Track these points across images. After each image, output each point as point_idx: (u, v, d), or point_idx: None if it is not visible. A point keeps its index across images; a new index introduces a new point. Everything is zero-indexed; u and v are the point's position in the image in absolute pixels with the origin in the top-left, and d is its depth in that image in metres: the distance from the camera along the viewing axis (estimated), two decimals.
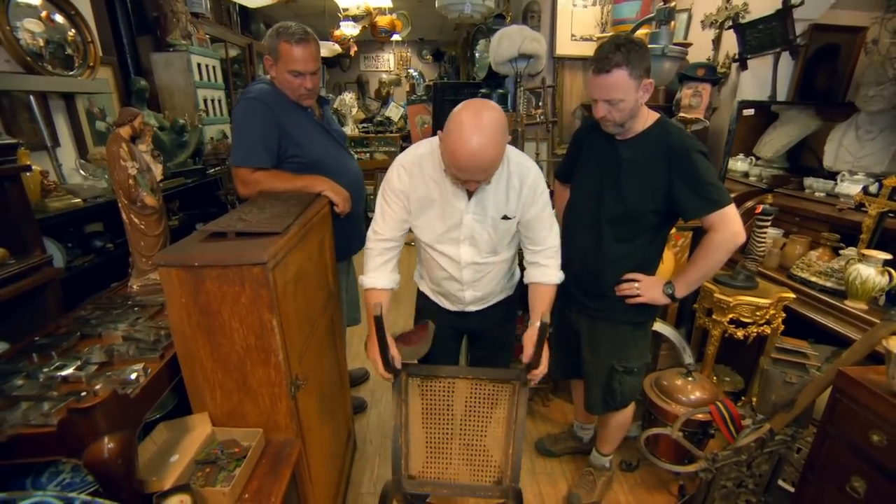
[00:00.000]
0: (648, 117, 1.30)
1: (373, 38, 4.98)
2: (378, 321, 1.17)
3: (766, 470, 1.24)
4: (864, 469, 1.06)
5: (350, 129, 5.90)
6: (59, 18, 1.83)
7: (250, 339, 1.04)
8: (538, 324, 1.18)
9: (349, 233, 1.80)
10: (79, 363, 1.04)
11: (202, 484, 0.98)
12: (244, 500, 0.97)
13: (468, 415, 1.32)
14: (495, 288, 1.42)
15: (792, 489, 1.30)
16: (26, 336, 1.18)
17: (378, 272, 1.33)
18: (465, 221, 1.25)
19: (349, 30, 4.79)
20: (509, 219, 1.26)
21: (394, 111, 6.50)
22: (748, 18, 2.18)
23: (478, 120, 1.04)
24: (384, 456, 1.97)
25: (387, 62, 7.82)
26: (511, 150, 1.23)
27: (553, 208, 1.32)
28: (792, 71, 2.28)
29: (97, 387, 0.96)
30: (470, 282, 1.36)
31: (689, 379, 1.67)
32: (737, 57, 2.22)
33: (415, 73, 7.23)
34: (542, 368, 1.21)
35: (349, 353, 2.82)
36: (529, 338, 1.22)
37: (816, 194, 2.10)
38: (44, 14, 1.76)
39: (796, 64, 2.25)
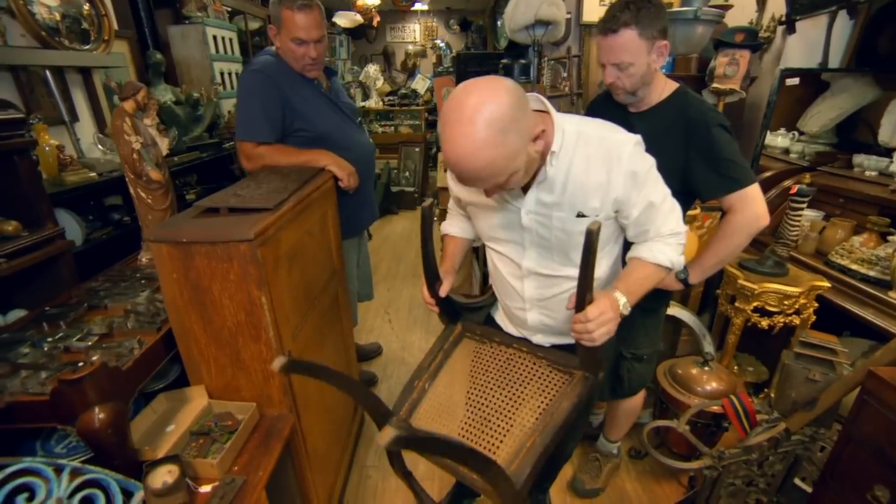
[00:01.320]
0: (665, 87, 1.17)
1: (395, 7, 4.82)
2: (425, 219, 0.95)
3: (780, 470, 1.16)
4: (889, 477, 0.97)
5: (374, 102, 5.83)
6: None
7: (240, 315, 1.04)
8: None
9: (359, 207, 1.78)
10: (81, 334, 1.07)
11: (195, 455, 1.00)
12: (233, 472, 0.99)
13: (505, 390, 1.04)
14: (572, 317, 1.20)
15: (809, 489, 1.21)
16: (42, 304, 1.24)
17: (450, 219, 1.24)
18: (526, 223, 0.99)
19: None
20: (586, 216, 0.95)
21: (420, 83, 6.36)
22: None
23: (465, 110, 0.75)
24: None
25: (413, 33, 7.62)
26: (582, 124, 0.94)
27: None
28: (850, 33, 2.03)
29: (94, 357, 0.99)
30: (533, 300, 1.09)
31: (706, 368, 1.59)
32: (783, 19, 2.00)
33: (441, 44, 7.02)
34: (596, 312, 0.85)
35: (363, 327, 2.86)
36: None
37: (867, 173, 1.91)
38: None
39: (855, 24, 2.00)
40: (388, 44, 7.62)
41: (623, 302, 0.92)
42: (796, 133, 2.31)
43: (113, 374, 0.90)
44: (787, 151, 2.31)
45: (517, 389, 1.02)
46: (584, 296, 0.86)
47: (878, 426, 0.99)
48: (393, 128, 5.67)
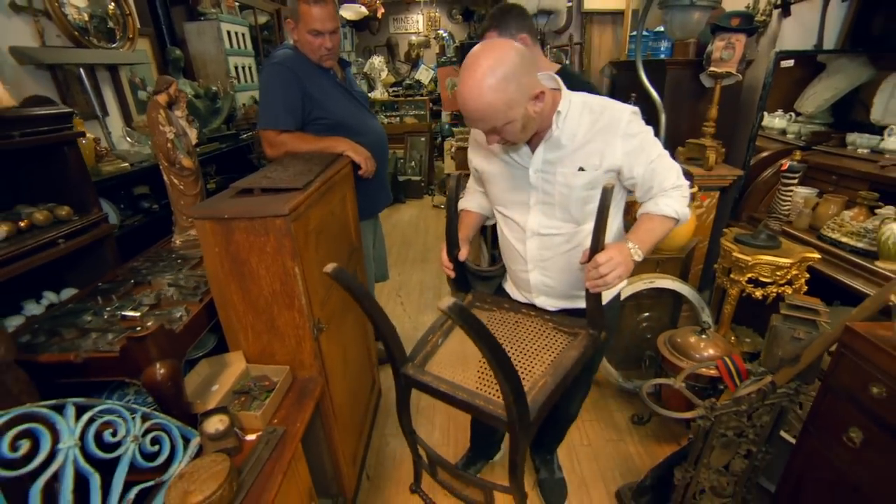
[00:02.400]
0: (550, 69, 1.42)
1: None
2: (451, 190, 1.17)
3: (768, 421, 1.27)
4: (861, 420, 1.07)
5: (380, 93, 5.91)
6: None
7: (276, 284, 1.15)
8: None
9: (374, 191, 1.88)
10: (134, 304, 1.20)
11: (238, 409, 1.13)
12: (273, 424, 1.12)
13: (515, 346, 1.13)
14: (571, 279, 1.18)
15: (794, 441, 1.32)
16: (89, 283, 1.36)
17: (468, 196, 1.37)
18: (533, 181, 1.11)
19: None
20: (585, 171, 1.07)
21: (424, 74, 6.42)
22: None
23: (479, 60, 0.93)
24: None
25: (416, 24, 7.64)
26: (589, 97, 1.10)
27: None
28: (843, 14, 2.09)
29: (148, 323, 1.11)
30: (535, 260, 1.20)
31: (703, 336, 1.69)
32: (779, 2, 2.06)
33: (444, 34, 7.05)
34: (604, 257, 0.96)
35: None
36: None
37: (859, 151, 1.98)
38: None
39: (849, 5, 2.06)
40: (391, 35, 7.66)
41: (634, 249, 1.02)
42: (793, 114, 2.38)
43: (169, 335, 1.02)
44: (784, 132, 2.38)
45: (527, 346, 1.13)
46: (595, 248, 0.99)
47: (853, 375, 1.09)
48: (398, 118, 5.75)
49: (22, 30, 1.62)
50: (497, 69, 0.92)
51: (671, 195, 1.09)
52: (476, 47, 0.96)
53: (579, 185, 1.09)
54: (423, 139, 5.46)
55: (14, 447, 0.70)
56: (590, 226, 1.07)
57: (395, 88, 6.11)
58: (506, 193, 1.19)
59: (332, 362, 1.39)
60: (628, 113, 1.07)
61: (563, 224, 1.14)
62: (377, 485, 1.75)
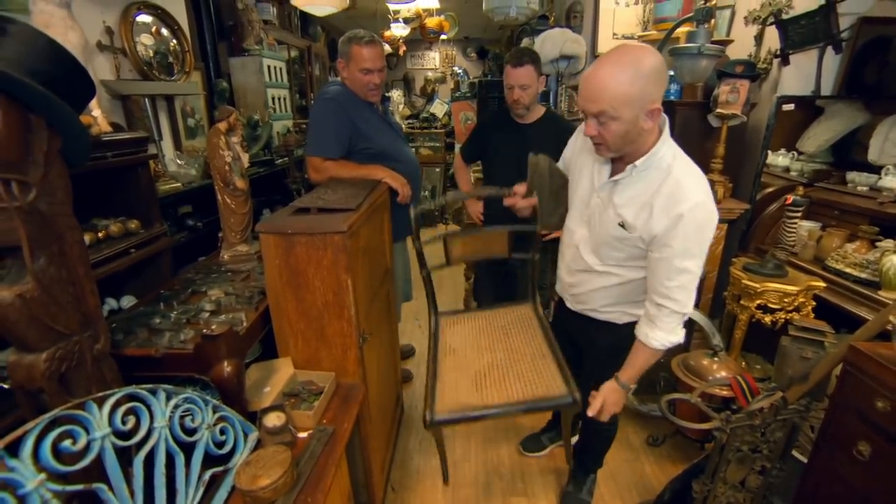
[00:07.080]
0: (539, 108, 1.91)
1: (421, 38, 5.21)
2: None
3: (781, 437, 1.34)
4: (869, 434, 1.15)
5: None
6: (164, 31, 2.17)
7: (329, 295, 1.27)
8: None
9: (407, 214, 2.02)
10: (195, 310, 1.32)
11: (290, 409, 1.22)
12: (323, 424, 1.21)
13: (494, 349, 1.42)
14: (594, 297, 1.31)
15: (805, 459, 1.39)
16: (147, 292, 1.49)
17: None
18: (593, 203, 1.21)
19: (399, 30, 5.05)
20: (624, 228, 1.10)
21: (438, 108, 6.71)
22: (791, 14, 2.21)
23: (627, 51, 0.97)
24: None
25: (433, 60, 8.05)
26: (685, 166, 1.06)
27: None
28: (838, 64, 2.27)
29: (213, 326, 1.23)
30: (569, 266, 1.34)
31: (715, 359, 1.77)
32: (778, 52, 2.25)
33: (459, 71, 7.41)
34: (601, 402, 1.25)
35: (400, 328, 3.07)
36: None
37: (859, 188, 2.11)
38: (154, 29, 2.10)
39: (842, 58, 2.25)
40: (408, 70, 8.06)
41: (625, 385, 1.23)
42: (796, 153, 2.53)
43: (235, 336, 1.13)
44: (787, 170, 2.53)
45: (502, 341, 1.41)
46: None
47: (859, 391, 1.18)
48: (414, 150, 5.99)
49: (103, 65, 1.82)
50: (634, 66, 0.94)
51: (663, 319, 1.10)
52: (631, 43, 1.20)
53: (612, 235, 1.16)
54: (437, 170, 5.68)
55: (123, 422, 0.81)
56: (608, 267, 1.22)
57: (411, 121, 6.38)
58: (575, 196, 1.31)
59: (370, 372, 1.49)
60: (692, 203, 1.00)
61: (590, 254, 1.25)
62: (402, 497, 1.80)
